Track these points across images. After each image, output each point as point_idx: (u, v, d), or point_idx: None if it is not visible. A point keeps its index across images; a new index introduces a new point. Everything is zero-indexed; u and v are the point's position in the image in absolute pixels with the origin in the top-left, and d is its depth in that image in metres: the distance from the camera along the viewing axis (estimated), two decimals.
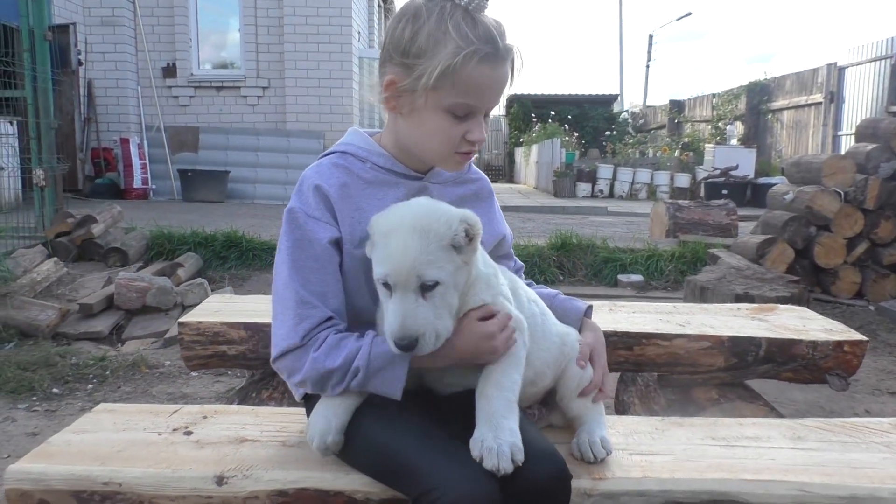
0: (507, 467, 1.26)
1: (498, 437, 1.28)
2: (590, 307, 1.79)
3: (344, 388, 1.40)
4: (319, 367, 1.39)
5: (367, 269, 1.46)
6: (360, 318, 1.55)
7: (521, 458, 1.27)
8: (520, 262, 1.89)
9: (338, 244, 1.47)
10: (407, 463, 1.32)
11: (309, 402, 1.58)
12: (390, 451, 1.36)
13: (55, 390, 3.51)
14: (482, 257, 1.47)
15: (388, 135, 1.57)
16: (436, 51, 1.38)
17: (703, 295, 4.70)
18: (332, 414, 1.41)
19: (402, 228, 1.33)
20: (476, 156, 1.75)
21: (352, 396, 1.43)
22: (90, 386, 3.60)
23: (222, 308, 2.56)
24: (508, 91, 1.52)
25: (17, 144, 7.54)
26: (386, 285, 1.34)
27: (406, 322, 1.31)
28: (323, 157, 1.58)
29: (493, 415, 1.33)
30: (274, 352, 1.45)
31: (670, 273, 6.06)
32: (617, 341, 2.36)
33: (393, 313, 1.32)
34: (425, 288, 1.32)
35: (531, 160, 19.12)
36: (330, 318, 1.44)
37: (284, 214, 1.48)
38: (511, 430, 1.30)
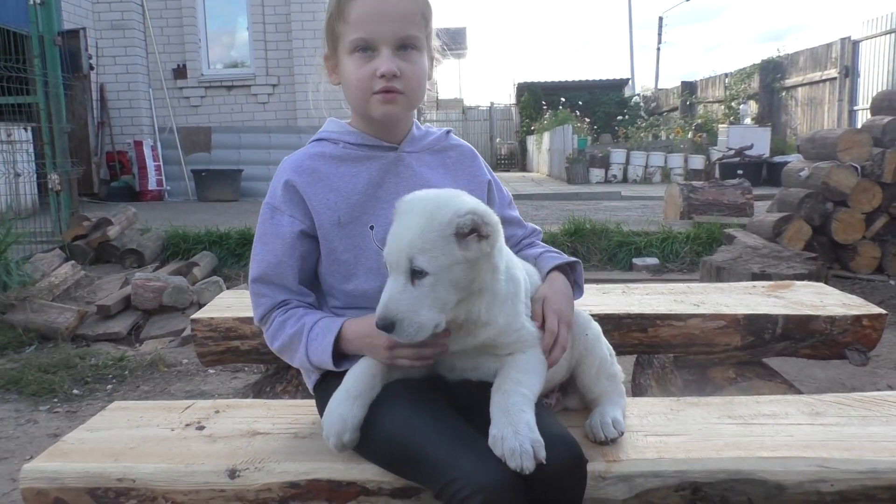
0: (530, 466, 1.24)
1: (518, 434, 1.26)
2: (570, 263, 1.64)
3: (297, 358, 1.54)
4: (270, 343, 1.59)
5: (354, 249, 1.53)
6: (357, 304, 1.54)
7: (543, 454, 1.25)
8: (531, 226, 1.80)
9: (303, 234, 1.56)
10: (426, 455, 1.30)
11: (319, 394, 1.58)
12: (408, 444, 1.34)
13: (75, 391, 3.54)
14: (507, 272, 1.43)
15: (353, 113, 1.65)
16: (328, 9, 1.55)
17: (719, 275, 4.66)
18: (347, 413, 1.40)
19: (411, 212, 1.33)
20: (472, 145, 1.73)
21: (365, 393, 1.42)
22: (109, 386, 3.64)
23: (234, 303, 2.57)
24: (424, 24, 1.54)
25: (32, 150, 7.61)
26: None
27: (389, 304, 1.30)
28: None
29: (509, 409, 1.31)
30: None
31: (686, 255, 6.01)
32: (631, 323, 2.34)
33: (383, 293, 1.33)
34: (415, 274, 1.30)
35: (543, 148, 19.02)
36: (283, 302, 1.57)
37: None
38: (528, 425, 1.28)
